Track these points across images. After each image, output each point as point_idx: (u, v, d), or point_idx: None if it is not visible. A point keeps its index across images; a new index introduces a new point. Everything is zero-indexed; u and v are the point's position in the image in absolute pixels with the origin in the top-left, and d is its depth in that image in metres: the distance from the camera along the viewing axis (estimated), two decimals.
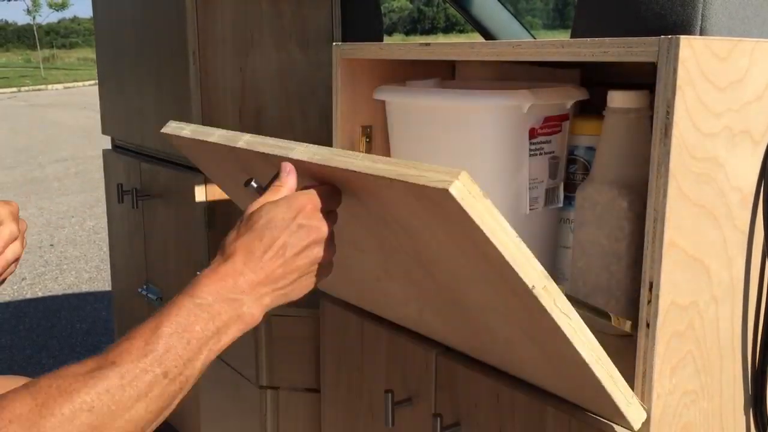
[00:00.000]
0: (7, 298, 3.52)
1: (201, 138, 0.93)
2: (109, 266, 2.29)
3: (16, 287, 3.69)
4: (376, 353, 1.12)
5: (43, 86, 20.19)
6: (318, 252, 0.73)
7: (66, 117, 11.64)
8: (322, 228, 0.73)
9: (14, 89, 19.14)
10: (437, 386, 1.02)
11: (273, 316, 1.33)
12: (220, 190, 1.64)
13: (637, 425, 0.77)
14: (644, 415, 0.78)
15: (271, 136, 1.71)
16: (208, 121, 1.61)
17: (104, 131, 2.16)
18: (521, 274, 0.64)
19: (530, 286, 0.65)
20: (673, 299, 0.78)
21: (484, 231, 0.62)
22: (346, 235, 0.83)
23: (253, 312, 0.70)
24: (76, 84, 21.23)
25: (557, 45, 0.83)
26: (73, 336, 3.02)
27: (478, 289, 0.74)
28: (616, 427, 0.81)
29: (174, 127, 0.99)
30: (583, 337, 0.69)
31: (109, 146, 2.18)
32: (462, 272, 0.73)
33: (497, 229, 0.63)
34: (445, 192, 0.60)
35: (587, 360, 0.70)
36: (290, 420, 1.35)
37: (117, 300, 2.20)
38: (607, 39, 0.77)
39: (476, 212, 0.61)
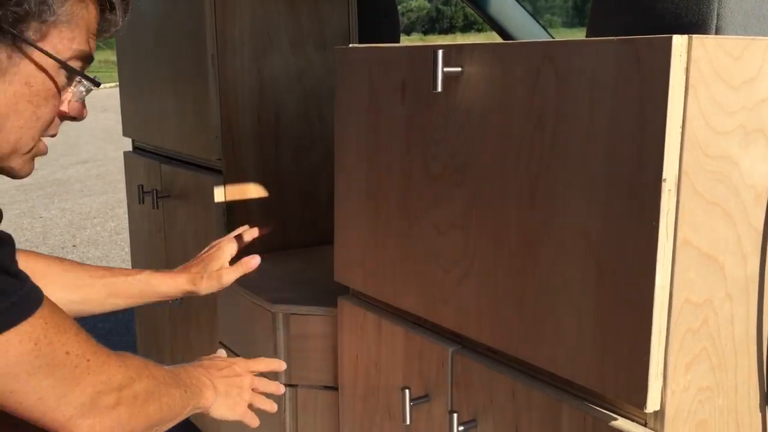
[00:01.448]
0: None
1: None
2: (130, 267, 2.32)
3: None
4: (393, 351, 1.14)
5: None
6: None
7: (87, 119, 11.73)
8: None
9: None
10: (453, 383, 1.03)
11: (291, 315, 1.34)
12: (239, 191, 1.66)
13: (653, 406, 0.78)
14: (659, 401, 0.78)
15: (288, 137, 1.74)
16: (226, 122, 1.63)
17: (125, 133, 2.19)
18: (666, 161, 0.73)
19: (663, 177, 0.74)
20: (687, 297, 0.78)
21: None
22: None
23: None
24: None
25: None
26: (95, 336, 3.03)
27: (581, 197, 0.82)
28: (626, 422, 0.82)
29: None
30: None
31: (129, 148, 2.21)
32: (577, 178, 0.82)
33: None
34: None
35: (656, 293, 0.76)
36: (309, 417, 1.37)
37: None
38: (620, 38, 0.78)
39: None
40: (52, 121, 0.86)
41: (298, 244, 1.75)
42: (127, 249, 4.37)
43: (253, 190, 1.68)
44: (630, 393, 0.79)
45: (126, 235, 4.54)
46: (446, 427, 1.04)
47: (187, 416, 1.03)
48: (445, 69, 0.95)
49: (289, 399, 1.37)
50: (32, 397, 0.79)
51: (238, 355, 1.51)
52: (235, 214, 1.66)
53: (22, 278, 0.77)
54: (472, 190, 0.96)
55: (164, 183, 1.90)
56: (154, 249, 2.03)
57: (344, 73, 1.17)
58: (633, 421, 0.82)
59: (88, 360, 0.84)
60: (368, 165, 1.14)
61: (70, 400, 0.82)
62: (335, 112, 1.20)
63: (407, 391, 1.07)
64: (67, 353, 0.82)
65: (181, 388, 0.98)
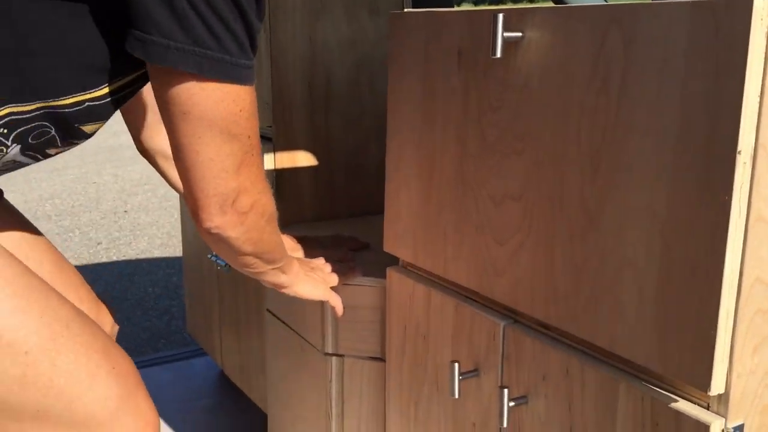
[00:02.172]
0: (84, 262, 3.65)
1: None
2: (179, 233, 2.34)
3: (92, 251, 3.82)
4: (443, 323, 1.12)
5: None
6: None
7: None
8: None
9: None
10: (504, 357, 1.01)
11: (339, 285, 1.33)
12: (289, 158, 1.65)
13: (717, 389, 0.74)
14: (724, 384, 0.75)
15: (339, 106, 1.72)
16: (277, 89, 1.61)
17: None
18: (741, 132, 0.69)
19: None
20: (759, 276, 0.74)
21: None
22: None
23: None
24: None
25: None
26: (146, 300, 3.12)
27: (647, 169, 0.78)
28: (688, 404, 0.79)
29: None
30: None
31: None
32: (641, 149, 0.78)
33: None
34: None
35: (726, 271, 0.72)
36: (354, 387, 1.36)
37: (188, 265, 2.26)
38: (695, 1, 0.73)
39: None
40: None
41: (346, 214, 1.74)
42: (177, 215, 4.43)
43: (303, 158, 1.67)
44: (693, 375, 0.76)
45: (176, 201, 4.60)
46: (496, 402, 1.02)
47: (271, 278, 1.08)
48: (505, 34, 0.92)
49: (335, 368, 1.37)
50: (210, 152, 0.84)
51: (285, 323, 1.51)
52: (285, 181, 1.65)
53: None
54: (531, 160, 0.93)
55: None
56: None
57: (398, 39, 1.14)
58: (695, 403, 0.79)
59: (253, 155, 0.89)
60: (421, 133, 1.12)
61: (226, 178, 0.86)
62: (388, 79, 1.17)
63: (456, 364, 1.05)
64: (249, 137, 0.86)
65: (282, 243, 1.06)
